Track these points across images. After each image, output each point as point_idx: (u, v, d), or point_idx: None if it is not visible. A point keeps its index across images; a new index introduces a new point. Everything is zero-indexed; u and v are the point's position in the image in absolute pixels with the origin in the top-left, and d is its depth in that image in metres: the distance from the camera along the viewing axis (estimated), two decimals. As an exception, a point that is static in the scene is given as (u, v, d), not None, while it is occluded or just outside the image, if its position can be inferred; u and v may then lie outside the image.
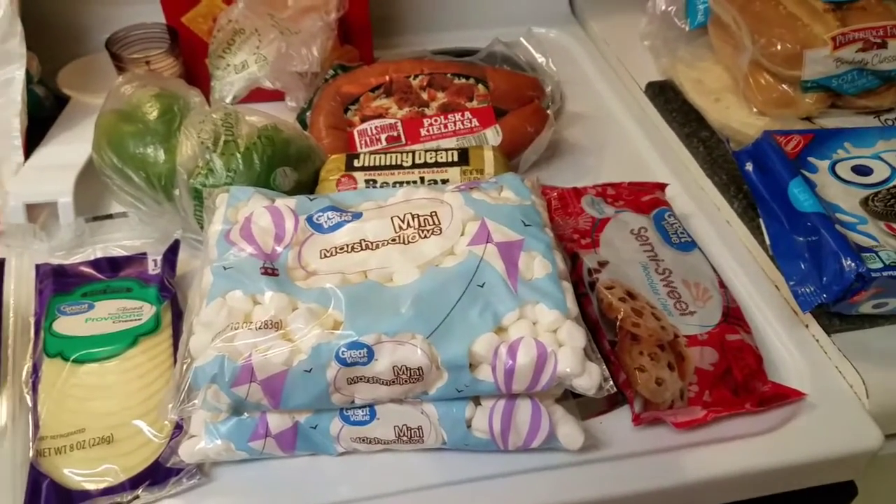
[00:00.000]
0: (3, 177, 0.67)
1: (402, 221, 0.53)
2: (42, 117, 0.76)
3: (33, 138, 0.73)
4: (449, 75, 0.75)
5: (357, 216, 0.54)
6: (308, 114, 0.75)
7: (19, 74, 0.69)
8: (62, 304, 0.55)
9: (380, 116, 0.74)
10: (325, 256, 0.51)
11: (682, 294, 0.59)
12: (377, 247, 0.51)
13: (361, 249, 0.51)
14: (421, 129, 0.73)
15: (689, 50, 0.89)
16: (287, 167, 0.63)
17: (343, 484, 0.49)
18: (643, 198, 0.68)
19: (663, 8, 0.92)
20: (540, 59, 0.80)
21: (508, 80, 0.76)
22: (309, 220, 0.54)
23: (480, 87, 0.75)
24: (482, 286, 0.48)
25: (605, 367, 0.47)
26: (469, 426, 0.48)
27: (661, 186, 0.71)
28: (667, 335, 0.55)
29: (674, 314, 0.57)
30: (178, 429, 0.48)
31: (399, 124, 0.73)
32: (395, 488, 0.49)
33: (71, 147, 0.70)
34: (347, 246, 0.51)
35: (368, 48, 0.87)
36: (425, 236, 0.51)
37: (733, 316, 0.58)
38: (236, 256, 0.50)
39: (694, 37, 0.90)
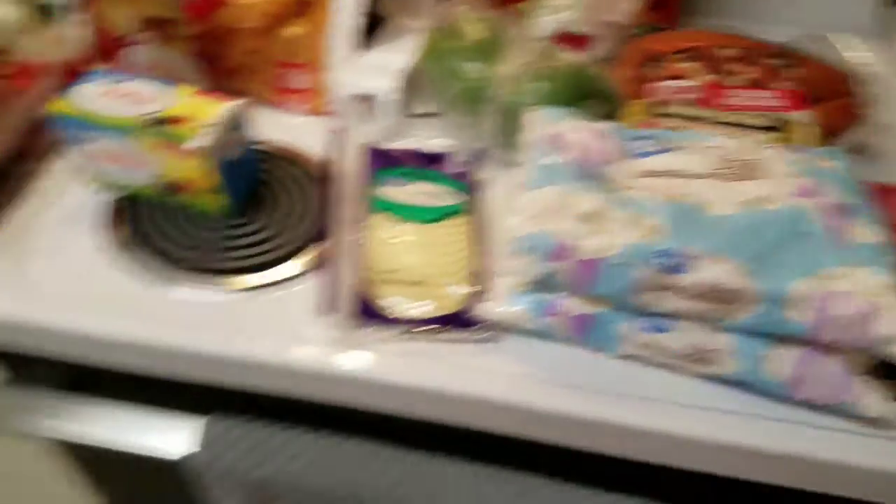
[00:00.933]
0: (336, 67, 0.75)
1: (721, 161, 0.53)
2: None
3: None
4: (759, 53, 0.75)
5: (671, 149, 0.55)
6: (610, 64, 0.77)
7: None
8: (386, 176, 0.62)
9: (681, 78, 0.74)
10: (643, 177, 0.53)
11: None
12: (695, 178, 0.52)
13: (678, 177, 0.52)
14: (722, 99, 0.73)
15: None
16: (593, 100, 0.66)
17: (620, 382, 0.51)
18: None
19: None
20: (852, 59, 0.77)
21: (823, 71, 0.74)
22: (624, 144, 0.56)
23: (792, 71, 0.74)
24: (806, 235, 0.48)
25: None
26: (764, 364, 0.48)
27: None
28: None
29: None
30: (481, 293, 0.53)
31: (700, 89, 0.74)
32: (667, 398, 0.50)
33: (394, 56, 0.77)
34: (663, 172, 0.53)
35: (675, 18, 0.88)
36: (744, 179, 0.52)
37: None
38: (555, 160, 0.53)
39: None
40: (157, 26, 0.73)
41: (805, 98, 0.72)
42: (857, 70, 0.79)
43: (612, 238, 0.48)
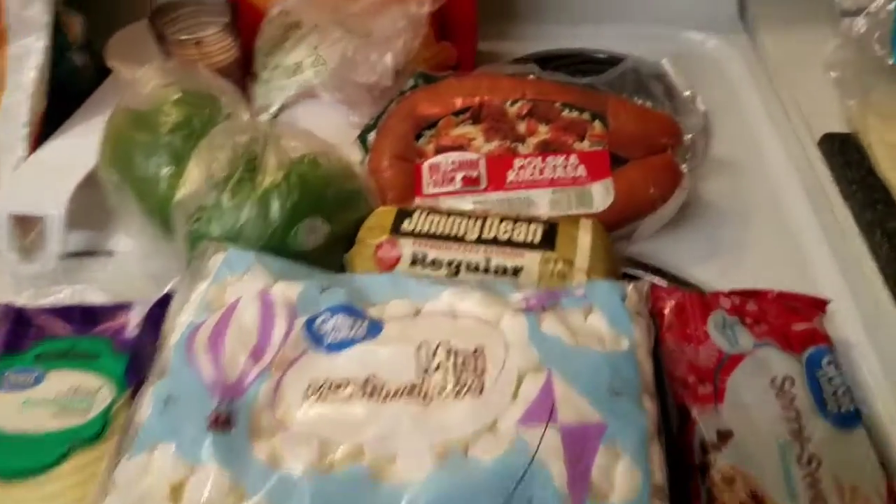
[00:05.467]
0: (1, 173, 0.55)
1: (432, 356, 0.36)
2: (79, 91, 0.63)
3: (62, 117, 0.60)
4: (557, 104, 0.56)
5: (375, 329, 0.37)
6: (372, 135, 0.58)
7: (38, 46, 0.56)
8: (8, 370, 0.42)
9: (460, 148, 0.56)
10: (310, 398, 0.35)
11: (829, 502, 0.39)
12: (386, 398, 0.34)
13: (363, 396, 0.35)
14: (509, 172, 0.55)
15: (888, 92, 0.64)
16: (317, 217, 0.47)
17: None
18: (795, 325, 0.47)
19: (862, 29, 0.68)
20: (686, 91, 0.59)
21: (636, 119, 0.56)
22: (309, 325, 0.38)
23: (597, 124, 0.56)
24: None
25: None
26: None
27: (821, 305, 0.49)
28: (799, 577, 0.36)
29: (815, 535, 0.38)
30: None
31: (482, 161, 0.55)
32: None
33: (89, 140, 0.56)
34: (345, 384, 0.35)
35: (470, 47, 0.69)
36: (458, 393, 0.34)
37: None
38: (189, 381, 0.35)
39: (902, 74, 0.66)
40: None
41: (609, 160, 0.55)
42: (690, 106, 0.61)
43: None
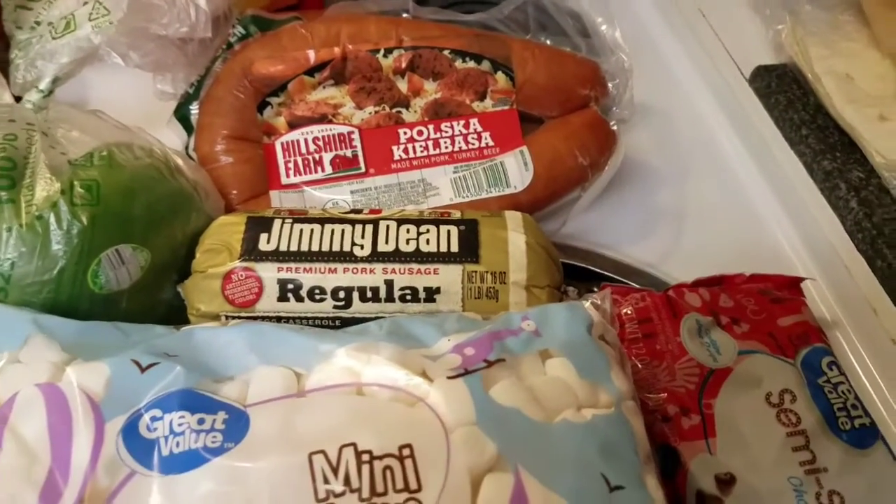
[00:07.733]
0: None
1: (335, 471, 0.24)
2: None
3: None
4: (447, 52, 0.45)
5: (237, 428, 0.26)
6: (194, 108, 0.44)
7: None
8: None
9: (324, 119, 0.44)
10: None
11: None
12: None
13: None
14: (394, 148, 0.44)
15: (822, 16, 0.59)
16: (126, 244, 0.34)
17: None
18: (781, 319, 0.40)
19: (780, -61, 0.62)
20: (602, 25, 0.49)
21: (549, 67, 0.46)
22: (129, 432, 0.26)
23: (500, 76, 0.46)
24: None
25: None
26: None
27: (796, 284, 0.43)
28: None
29: None
30: None
31: (356, 135, 0.44)
32: None
33: None
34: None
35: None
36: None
37: None
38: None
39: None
40: None
41: (520, 122, 0.45)
42: (609, 42, 0.52)
43: None
